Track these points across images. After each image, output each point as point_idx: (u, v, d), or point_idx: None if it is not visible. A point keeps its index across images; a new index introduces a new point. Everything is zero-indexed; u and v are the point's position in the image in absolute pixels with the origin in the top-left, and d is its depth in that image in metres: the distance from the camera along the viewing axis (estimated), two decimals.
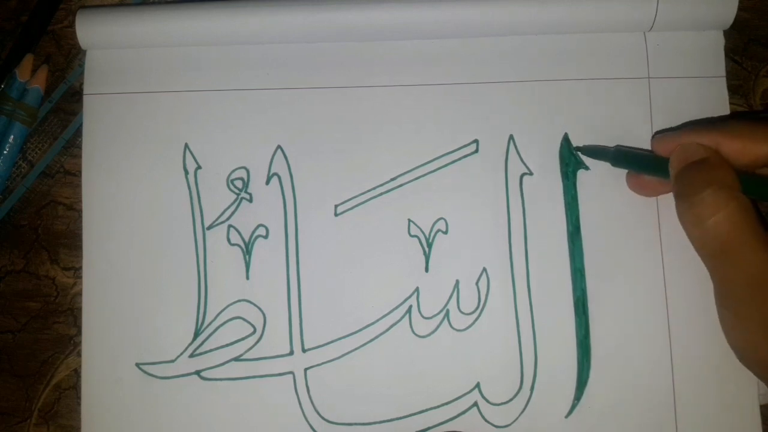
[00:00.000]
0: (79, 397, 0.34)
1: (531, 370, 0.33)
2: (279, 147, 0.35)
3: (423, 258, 0.34)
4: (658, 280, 0.34)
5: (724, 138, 0.29)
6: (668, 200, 0.34)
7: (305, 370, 0.34)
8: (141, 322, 0.34)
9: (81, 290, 0.34)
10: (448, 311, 0.34)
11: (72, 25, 0.36)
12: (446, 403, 0.33)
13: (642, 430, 0.33)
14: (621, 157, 0.33)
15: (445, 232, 0.34)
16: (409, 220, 0.34)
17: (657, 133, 0.34)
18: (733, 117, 0.34)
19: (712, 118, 0.34)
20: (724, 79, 0.35)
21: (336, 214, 0.35)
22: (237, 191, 0.35)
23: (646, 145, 0.34)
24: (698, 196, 0.28)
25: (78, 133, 0.36)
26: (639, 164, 0.32)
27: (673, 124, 0.34)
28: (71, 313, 0.36)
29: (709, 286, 0.30)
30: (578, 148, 0.34)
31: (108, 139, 0.35)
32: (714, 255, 0.28)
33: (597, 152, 0.34)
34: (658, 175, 0.31)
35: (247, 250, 0.35)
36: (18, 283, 0.36)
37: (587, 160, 0.34)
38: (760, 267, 0.27)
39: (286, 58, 0.36)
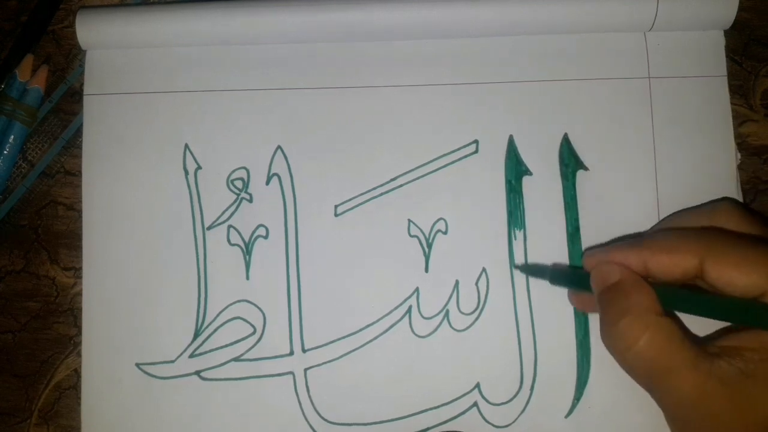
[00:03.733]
0: (79, 397, 0.34)
1: (531, 370, 0.33)
2: (279, 147, 0.35)
3: (423, 258, 0.34)
4: None
5: (650, 254, 0.28)
6: (668, 201, 0.34)
7: (305, 370, 0.34)
8: (141, 322, 0.34)
9: (81, 290, 0.34)
10: (447, 311, 0.34)
11: (72, 25, 0.36)
12: (446, 403, 0.33)
13: (642, 430, 0.33)
14: (557, 275, 0.32)
15: (445, 233, 0.34)
16: (409, 221, 0.34)
17: (587, 249, 0.34)
18: (663, 229, 0.32)
19: (644, 233, 0.33)
20: (725, 78, 0.35)
21: (336, 214, 0.35)
22: (237, 191, 0.35)
23: (647, 144, 0.34)
24: (617, 327, 0.27)
25: (78, 133, 0.36)
26: (573, 282, 0.32)
27: (674, 124, 0.34)
28: (71, 313, 0.36)
29: None
30: (516, 267, 0.34)
31: (108, 139, 0.35)
32: (646, 382, 0.28)
33: (535, 271, 0.34)
34: (591, 292, 0.30)
35: (247, 250, 0.35)
36: (18, 283, 0.36)
37: (587, 160, 0.34)
38: (693, 388, 0.26)
39: (286, 58, 0.36)
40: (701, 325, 0.30)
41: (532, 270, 0.34)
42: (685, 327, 0.28)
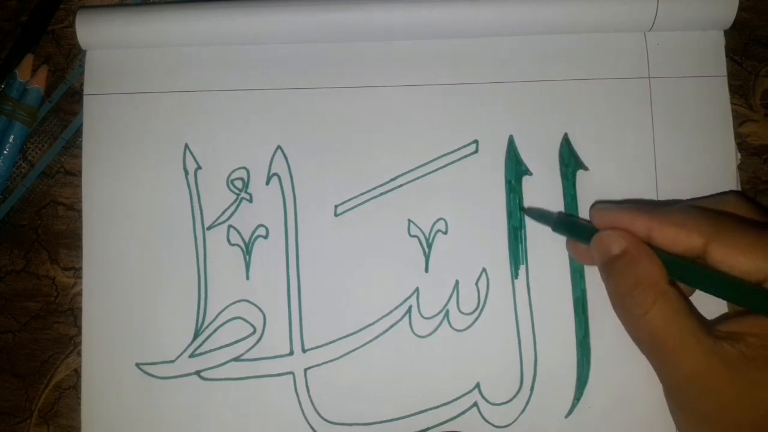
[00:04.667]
0: (79, 397, 0.34)
1: (531, 370, 0.33)
2: (279, 147, 0.35)
3: (423, 258, 0.34)
4: None
5: (658, 224, 0.28)
6: (668, 201, 0.34)
7: (305, 370, 0.34)
8: (141, 322, 0.34)
9: (81, 290, 0.34)
10: (447, 311, 0.34)
11: (72, 25, 0.36)
12: (446, 403, 0.33)
13: (642, 430, 0.33)
14: (561, 224, 0.33)
15: (445, 233, 0.34)
16: (409, 221, 0.34)
17: (597, 202, 0.34)
18: (674, 203, 0.33)
19: (657, 201, 0.34)
20: (725, 78, 0.35)
21: (336, 214, 0.35)
22: (237, 191, 0.35)
23: (647, 144, 0.34)
24: (628, 297, 0.28)
25: (78, 133, 0.36)
26: (577, 234, 0.32)
27: (674, 124, 0.34)
28: (71, 313, 0.36)
29: None
30: (523, 209, 0.34)
31: (108, 139, 0.35)
32: (651, 353, 0.28)
33: (541, 216, 0.34)
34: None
35: (247, 250, 0.35)
36: (18, 283, 0.36)
37: (587, 160, 0.34)
38: (695, 363, 0.26)
39: (286, 58, 0.36)
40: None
41: (538, 215, 0.34)
42: (690, 302, 0.28)
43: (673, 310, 0.27)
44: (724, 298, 0.28)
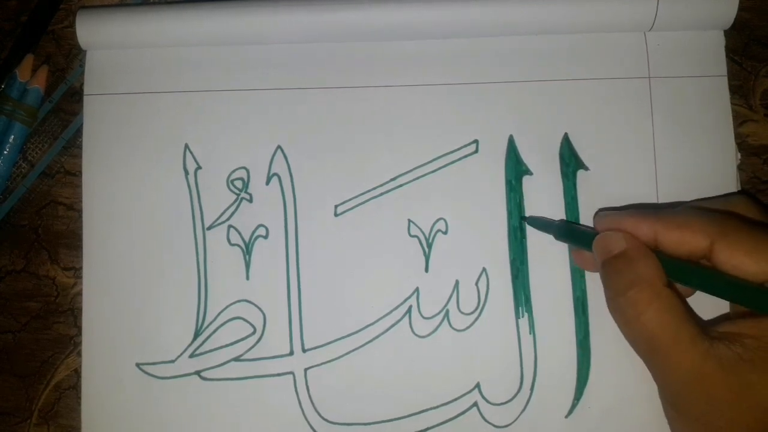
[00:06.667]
0: (79, 397, 0.34)
1: (531, 370, 0.33)
2: (279, 147, 0.35)
3: (423, 258, 0.34)
4: None
5: (663, 227, 0.28)
6: (668, 201, 0.34)
7: (305, 370, 0.34)
8: (141, 322, 0.34)
9: (81, 290, 0.34)
10: (447, 311, 0.34)
11: (72, 25, 0.36)
12: (446, 403, 0.33)
13: (642, 430, 0.33)
14: (563, 231, 0.32)
15: (445, 233, 0.34)
16: (409, 221, 0.34)
17: (600, 210, 0.34)
18: (678, 206, 0.32)
19: (661, 205, 0.34)
20: (725, 78, 0.35)
21: (336, 214, 0.35)
22: (237, 191, 0.35)
23: (647, 144, 0.34)
24: (623, 297, 0.28)
25: (78, 133, 0.36)
26: (579, 241, 0.32)
27: (674, 124, 0.34)
28: (71, 313, 0.36)
29: None
30: (524, 218, 0.34)
31: (108, 140, 0.35)
32: (646, 354, 0.28)
33: (542, 224, 0.33)
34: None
35: (247, 250, 0.35)
36: (18, 283, 0.36)
37: (587, 160, 0.34)
38: (691, 363, 0.26)
39: (286, 58, 0.36)
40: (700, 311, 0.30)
41: (539, 223, 0.34)
42: (687, 304, 0.28)
43: (668, 312, 0.27)
44: (726, 299, 0.28)
